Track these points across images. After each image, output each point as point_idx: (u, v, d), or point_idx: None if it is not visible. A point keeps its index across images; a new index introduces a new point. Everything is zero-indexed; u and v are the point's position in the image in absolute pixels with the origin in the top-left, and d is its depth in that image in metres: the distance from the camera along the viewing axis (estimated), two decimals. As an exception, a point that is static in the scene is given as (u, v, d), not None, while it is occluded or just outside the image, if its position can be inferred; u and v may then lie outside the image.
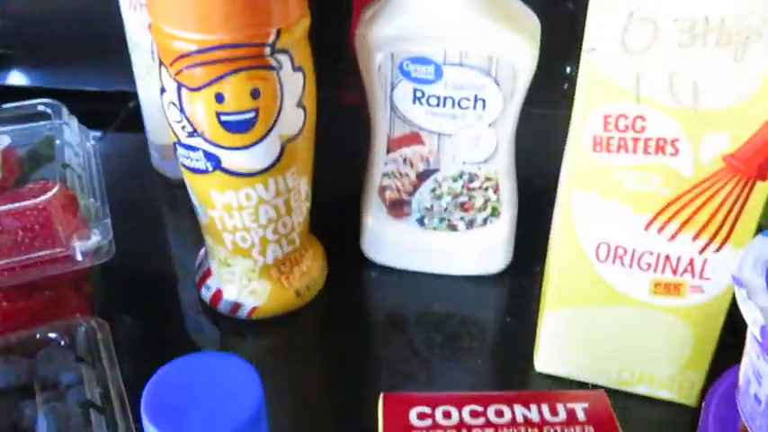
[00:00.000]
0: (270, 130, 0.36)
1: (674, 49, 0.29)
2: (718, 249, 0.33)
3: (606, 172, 0.32)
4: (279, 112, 0.36)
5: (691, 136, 0.30)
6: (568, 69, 0.59)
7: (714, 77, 0.29)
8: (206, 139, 0.36)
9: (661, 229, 0.33)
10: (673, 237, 0.33)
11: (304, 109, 0.37)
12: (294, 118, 0.37)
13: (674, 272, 0.34)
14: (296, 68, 0.36)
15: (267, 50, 0.34)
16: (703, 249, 0.33)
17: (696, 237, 0.32)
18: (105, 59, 0.57)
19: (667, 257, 0.33)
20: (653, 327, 0.35)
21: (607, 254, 0.34)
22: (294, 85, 0.36)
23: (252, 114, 0.35)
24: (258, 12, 0.33)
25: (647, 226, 0.33)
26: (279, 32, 0.34)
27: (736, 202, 0.31)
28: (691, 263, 0.33)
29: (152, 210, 0.51)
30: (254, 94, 0.35)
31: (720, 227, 0.32)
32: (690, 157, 0.31)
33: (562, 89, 0.57)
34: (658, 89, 0.30)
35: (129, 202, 0.49)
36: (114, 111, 0.59)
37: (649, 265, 0.34)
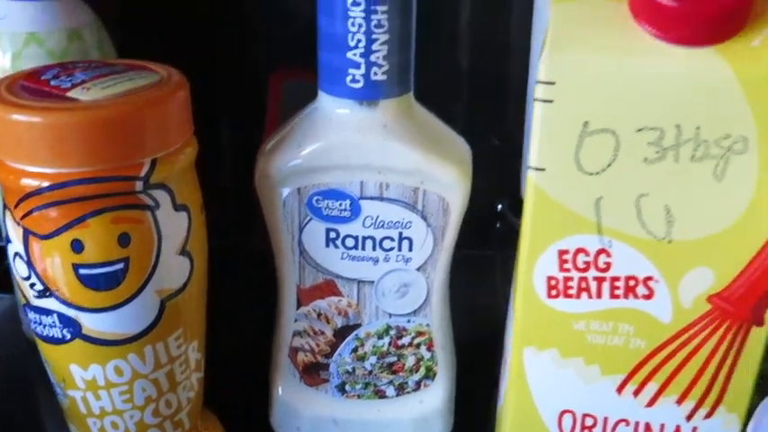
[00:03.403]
0: (144, 284, 0.30)
1: (639, 167, 0.24)
2: (710, 414, 0.27)
3: (565, 323, 0.27)
4: (155, 261, 0.30)
5: (667, 273, 0.25)
6: (500, 207, 0.59)
7: (690, 200, 0.24)
8: (61, 300, 0.29)
9: (638, 392, 0.27)
10: (653, 401, 0.27)
11: (190, 257, 0.31)
12: (176, 269, 0.31)
13: (659, 445, 0.27)
14: (178, 207, 0.30)
15: (139, 185, 0.28)
16: (691, 415, 0.27)
17: (681, 399, 0.27)
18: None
19: (648, 427, 0.28)
20: None
21: (573, 426, 0.29)
22: (175, 227, 0.30)
23: (120, 266, 0.29)
24: (126, 138, 0.28)
25: (621, 388, 0.27)
26: (154, 163, 0.29)
27: (727, 353, 0.26)
28: (678, 433, 0.27)
29: (21, 386, 0.44)
30: (123, 240, 0.29)
31: (710, 386, 0.27)
32: (668, 300, 0.26)
33: (494, 229, 0.56)
34: (624, 216, 0.25)
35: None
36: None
37: None
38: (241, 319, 0.44)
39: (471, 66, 0.58)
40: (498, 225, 0.56)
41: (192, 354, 0.33)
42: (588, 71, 0.23)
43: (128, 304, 0.30)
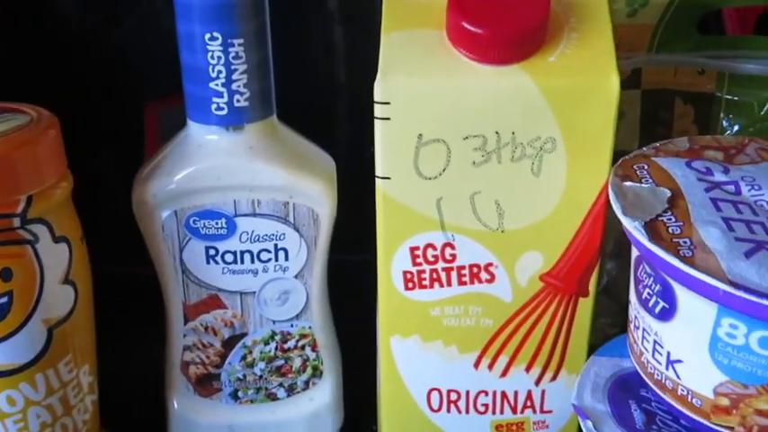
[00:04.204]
0: (30, 315, 0.30)
1: (470, 169, 0.27)
2: (554, 378, 0.30)
3: (423, 311, 0.30)
4: (39, 292, 0.31)
5: (504, 259, 0.28)
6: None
7: (515, 194, 0.27)
8: (-53, 338, 0.29)
9: (492, 365, 0.31)
10: (505, 371, 0.30)
11: (73, 285, 0.32)
12: (61, 298, 0.32)
13: (514, 410, 0.31)
14: (58, 239, 0.31)
15: (16, 222, 0.29)
16: (539, 380, 0.31)
17: (529, 367, 0.30)
18: None
19: (504, 395, 0.31)
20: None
21: (440, 402, 0.31)
22: (57, 258, 0.31)
23: (4, 299, 0.30)
24: (0, 178, 0.29)
25: (477, 364, 0.31)
26: (30, 200, 0.30)
27: (562, 322, 0.29)
28: (529, 397, 0.31)
29: None
30: (5, 274, 0.30)
31: (551, 352, 0.30)
32: (507, 282, 0.29)
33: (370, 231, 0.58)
34: (462, 213, 0.28)
35: None
36: None
37: (487, 407, 0.31)
38: (136, 340, 0.45)
39: (347, 80, 0.61)
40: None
41: (83, 377, 0.34)
42: (416, 91, 0.26)
43: (15, 335, 0.30)
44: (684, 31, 0.37)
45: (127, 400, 0.39)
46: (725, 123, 0.38)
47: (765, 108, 0.37)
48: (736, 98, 0.38)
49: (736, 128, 0.38)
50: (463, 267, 0.29)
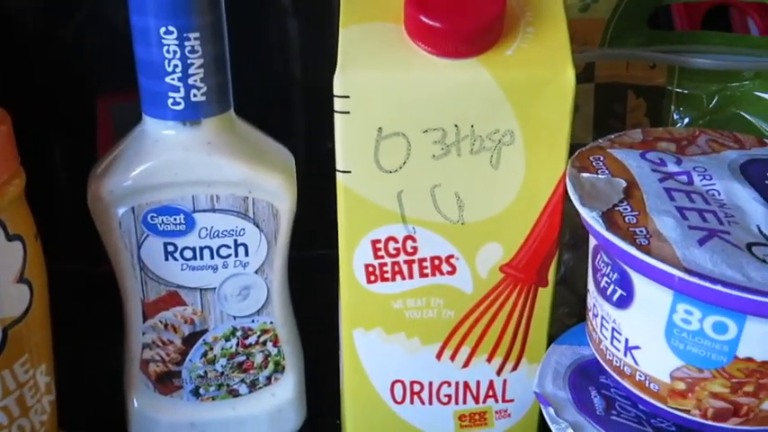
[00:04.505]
0: None
1: (430, 162, 0.27)
2: (515, 367, 0.31)
3: (385, 304, 0.30)
4: None
5: (464, 251, 0.29)
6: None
7: (475, 187, 0.28)
8: None
9: (454, 356, 0.31)
10: (467, 362, 0.31)
11: (28, 284, 0.32)
12: (16, 297, 0.31)
13: (477, 400, 0.31)
14: (11, 237, 0.30)
15: None
16: (500, 370, 0.31)
17: (491, 358, 0.31)
18: None
19: (467, 385, 0.31)
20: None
21: (404, 393, 0.31)
22: (11, 257, 0.31)
23: None
24: None
25: (439, 355, 0.31)
26: None
27: (522, 312, 0.30)
28: (491, 387, 0.31)
29: None
30: None
31: (512, 342, 0.31)
32: (468, 273, 0.29)
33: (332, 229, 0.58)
34: (422, 206, 0.28)
35: None
36: None
37: (450, 398, 0.32)
38: (94, 338, 0.44)
39: (303, 76, 0.61)
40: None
41: (40, 377, 0.33)
42: (376, 84, 0.26)
43: (-31, 337, 0.29)
44: (636, 25, 0.38)
45: (86, 400, 0.39)
46: (676, 116, 0.39)
47: (714, 101, 0.38)
48: (686, 91, 0.39)
49: (686, 120, 0.39)
50: (424, 260, 0.29)
